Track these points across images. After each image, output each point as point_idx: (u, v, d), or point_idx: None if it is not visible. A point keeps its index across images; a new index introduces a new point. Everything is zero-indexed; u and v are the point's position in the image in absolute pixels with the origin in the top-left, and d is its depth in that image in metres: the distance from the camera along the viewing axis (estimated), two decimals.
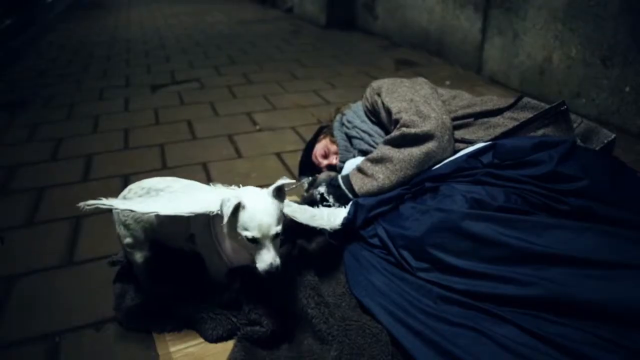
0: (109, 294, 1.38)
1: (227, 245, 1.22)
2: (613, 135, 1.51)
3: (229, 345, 1.17)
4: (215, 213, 1.13)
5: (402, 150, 1.49)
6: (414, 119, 1.49)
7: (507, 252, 1.14)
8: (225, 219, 1.03)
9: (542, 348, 0.99)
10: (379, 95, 1.69)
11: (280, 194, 1.12)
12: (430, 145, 1.46)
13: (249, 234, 1.05)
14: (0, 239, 1.67)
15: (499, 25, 3.29)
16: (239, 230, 1.07)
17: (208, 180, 2.07)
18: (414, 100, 1.55)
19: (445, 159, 1.49)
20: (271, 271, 1.05)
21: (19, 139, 2.62)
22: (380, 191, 1.49)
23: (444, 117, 1.50)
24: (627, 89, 2.44)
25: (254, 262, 1.09)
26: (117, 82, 3.70)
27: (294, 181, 1.16)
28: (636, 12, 2.32)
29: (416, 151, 1.47)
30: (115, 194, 1.88)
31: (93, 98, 3.33)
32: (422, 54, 4.23)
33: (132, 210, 1.16)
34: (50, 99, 3.33)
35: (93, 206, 1.07)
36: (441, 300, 1.16)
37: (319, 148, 1.89)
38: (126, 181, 2.08)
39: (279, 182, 1.11)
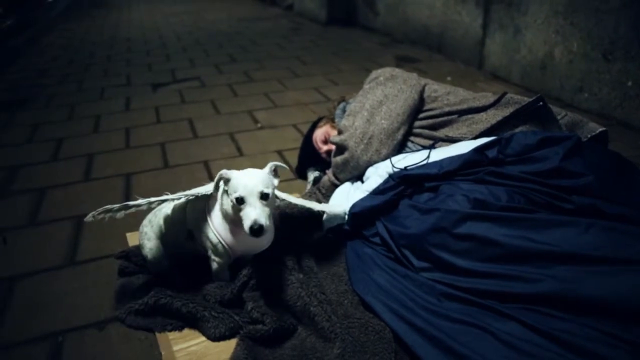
0: (111, 293, 1.38)
1: (224, 229, 1.25)
2: (600, 129, 1.49)
3: (231, 343, 1.17)
4: (209, 193, 1.25)
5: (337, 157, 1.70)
6: (343, 126, 1.66)
7: (510, 251, 1.13)
8: (221, 187, 1.16)
9: (545, 344, 0.98)
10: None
11: (274, 173, 1.24)
12: (346, 156, 1.63)
13: (236, 194, 1.12)
14: (3, 239, 1.68)
15: (500, 20, 3.28)
16: (230, 197, 1.14)
17: (210, 178, 2.07)
18: (364, 108, 1.65)
19: (371, 165, 1.59)
20: (254, 227, 1.09)
21: (20, 139, 2.62)
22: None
23: (371, 128, 1.59)
24: (630, 83, 2.43)
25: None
26: (118, 81, 3.70)
27: (285, 166, 1.27)
28: (637, 6, 2.30)
29: (338, 159, 1.66)
30: (117, 193, 1.87)
31: (94, 97, 3.33)
32: (423, 50, 4.21)
33: (127, 207, 1.21)
34: (51, 98, 3.33)
35: (95, 216, 1.18)
36: (444, 298, 1.16)
37: (319, 134, 1.90)
38: (128, 180, 2.08)
39: (275, 163, 1.23)
